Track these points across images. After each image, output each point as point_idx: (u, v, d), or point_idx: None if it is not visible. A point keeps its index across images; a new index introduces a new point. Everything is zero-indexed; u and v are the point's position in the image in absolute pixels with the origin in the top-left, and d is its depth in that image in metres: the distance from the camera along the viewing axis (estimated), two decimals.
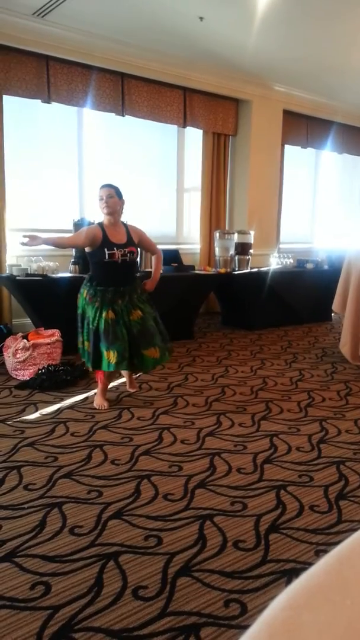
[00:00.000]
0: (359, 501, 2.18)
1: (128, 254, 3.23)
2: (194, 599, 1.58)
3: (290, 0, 4.25)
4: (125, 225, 3.34)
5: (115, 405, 3.37)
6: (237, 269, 5.94)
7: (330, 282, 5.57)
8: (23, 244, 3.08)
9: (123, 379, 3.85)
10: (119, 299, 3.23)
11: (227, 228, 6.76)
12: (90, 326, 3.21)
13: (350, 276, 4.49)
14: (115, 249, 3.18)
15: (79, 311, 3.31)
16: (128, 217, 5.13)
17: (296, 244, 7.77)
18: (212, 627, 1.47)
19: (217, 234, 5.94)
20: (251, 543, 1.87)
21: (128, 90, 5.58)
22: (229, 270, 5.80)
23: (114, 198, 3.19)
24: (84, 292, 3.28)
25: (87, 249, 3.26)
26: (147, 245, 3.50)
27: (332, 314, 6.59)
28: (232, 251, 5.91)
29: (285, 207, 7.53)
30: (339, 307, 4.60)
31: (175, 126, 6.18)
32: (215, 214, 6.68)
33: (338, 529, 1.97)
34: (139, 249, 3.40)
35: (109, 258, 3.16)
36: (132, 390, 3.63)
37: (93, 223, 4.95)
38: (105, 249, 3.16)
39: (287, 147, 7.30)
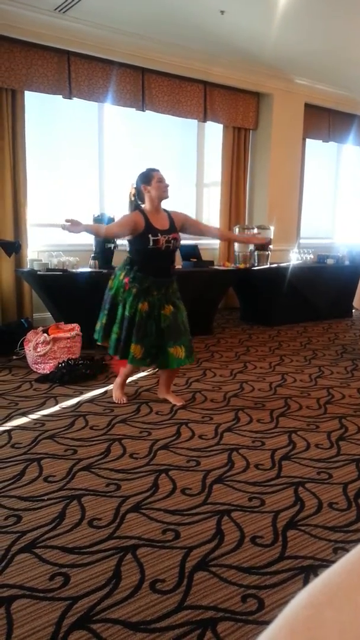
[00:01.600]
0: None
1: (172, 241, 3.07)
2: (211, 594, 1.59)
3: None
4: (166, 211, 3.17)
5: (133, 399, 3.39)
6: (256, 264, 5.91)
7: (351, 278, 5.51)
8: (64, 228, 2.91)
9: (142, 374, 3.87)
10: (155, 291, 3.08)
11: (246, 223, 6.72)
12: (126, 313, 3.06)
13: None
14: (159, 235, 3.02)
15: (111, 292, 3.15)
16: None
17: (317, 239, 7.69)
18: (229, 621, 1.47)
19: (237, 229, 5.90)
20: (269, 539, 1.87)
21: (148, 85, 5.58)
22: (248, 265, 5.77)
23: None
24: (120, 275, 3.12)
25: (128, 237, 3.09)
26: (195, 224, 3.34)
27: (353, 310, 6.52)
28: (251, 246, 5.88)
29: (306, 202, 7.45)
30: None
31: (196, 120, 6.15)
32: (235, 209, 6.64)
33: (357, 526, 1.95)
34: (180, 238, 3.20)
35: (154, 245, 3.00)
36: (177, 403, 3.31)
37: (113, 219, 5.00)
38: (150, 235, 2.99)
39: (308, 141, 7.21)
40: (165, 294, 3.13)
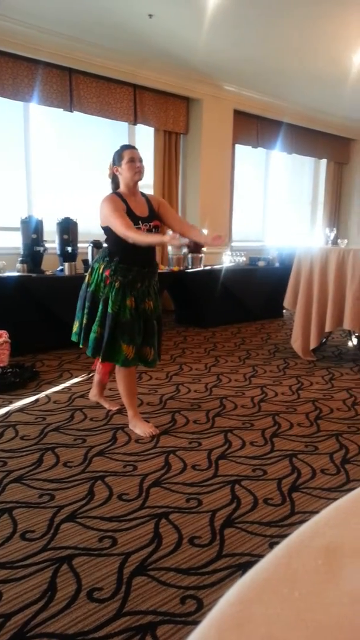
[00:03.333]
0: (311, 492, 2.23)
1: (153, 229, 2.81)
2: (149, 598, 1.57)
3: (240, 0, 4.29)
4: (144, 195, 2.88)
5: (67, 406, 3.31)
6: (190, 267, 5.96)
7: (281, 280, 5.68)
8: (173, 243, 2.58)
9: (75, 379, 3.79)
10: (139, 282, 2.79)
11: None
12: (109, 310, 2.74)
13: (300, 273, 4.59)
14: (140, 222, 2.74)
15: (90, 289, 2.82)
16: (78, 215, 5.09)
17: (248, 242, 7.88)
18: (168, 624, 1.46)
19: (170, 232, 5.92)
20: (206, 539, 1.88)
21: (76, 85, 5.49)
22: (182, 268, 5.82)
23: (142, 163, 2.78)
24: (99, 268, 2.79)
25: (104, 224, 2.76)
26: (170, 214, 2.93)
27: (284, 311, 6.73)
28: (184, 249, 5.93)
29: (237, 205, 7.62)
30: (290, 304, 4.70)
31: (126, 123, 6.13)
32: None
33: (291, 520, 2.00)
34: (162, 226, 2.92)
35: None
36: (112, 408, 3.23)
37: (41, 221, 4.86)
38: (131, 222, 2.68)
39: (238, 146, 7.38)
40: (148, 286, 2.87)
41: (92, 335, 2.80)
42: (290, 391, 3.70)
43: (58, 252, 4.93)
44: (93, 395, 3.33)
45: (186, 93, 6.46)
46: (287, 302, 4.73)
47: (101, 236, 5.06)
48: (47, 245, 4.84)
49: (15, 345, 4.01)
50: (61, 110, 5.47)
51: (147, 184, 6.56)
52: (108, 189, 2.92)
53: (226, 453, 2.63)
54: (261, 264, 6.49)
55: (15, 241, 4.94)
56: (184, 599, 1.57)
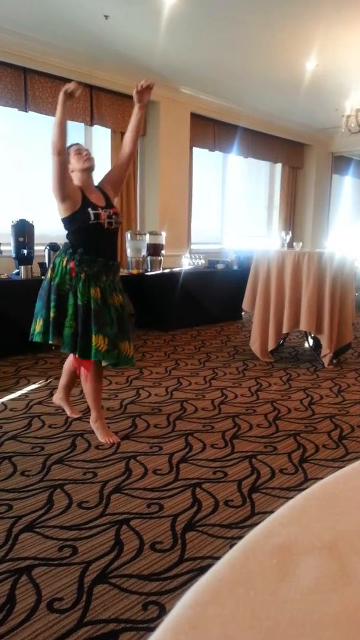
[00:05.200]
0: (270, 493, 2.26)
1: (113, 216, 2.77)
2: (111, 606, 1.55)
3: (195, 3, 4.33)
4: (98, 187, 2.86)
5: (23, 413, 3.23)
6: (149, 270, 5.96)
7: (239, 282, 5.75)
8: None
9: (32, 386, 3.72)
10: (104, 275, 2.73)
11: (138, 229, 6.76)
12: (79, 302, 2.65)
13: (258, 276, 4.66)
14: (99, 209, 2.71)
15: (54, 282, 2.71)
16: (34, 217, 5.00)
17: (207, 244, 7.94)
18: (130, 632, 1.45)
19: (129, 235, 5.91)
20: (168, 544, 1.87)
21: (31, 85, 5.40)
22: (141, 271, 5.80)
23: (91, 153, 2.79)
24: (62, 261, 2.72)
25: (64, 214, 2.72)
26: (120, 166, 2.96)
27: (242, 313, 6.81)
28: (144, 252, 5.91)
29: (196, 208, 7.67)
30: (249, 306, 4.76)
31: (82, 124, 6.08)
32: (125, 215, 6.65)
33: (251, 521, 2.02)
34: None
35: (95, 219, 2.67)
36: (74, 415, 3.19)
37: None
38: (89, 209, 2.67)
39: (195, 149, 7.44)
40: (113, 280, 2.81)
41: (67, 331, 2.69)
42: (250, 392, 3.74)
43: (13, 254, 4.83)
44: (57, 398, 3.27)
45: None
46: (245, 305, 4.79)
47: (59, 239, 5.00)
48: (1, 248, 4.73)
49: None
50: (15, 109, 5.37)
51: None
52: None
53: (187, 456, 2.63)
54: (220, 266, 6.55)
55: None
56: (146, 605, 1.56)
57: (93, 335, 2.66)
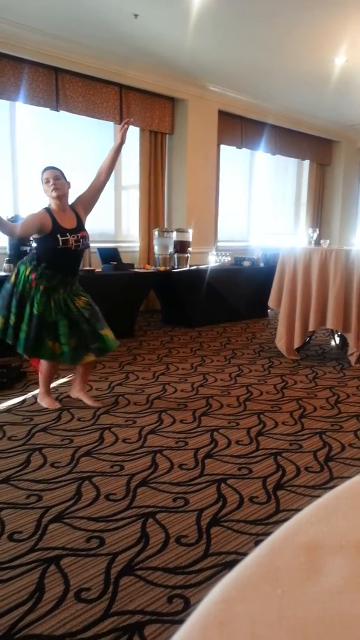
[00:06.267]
0: (295, 490, 2.26)
1: (81, 240, 3.06)
2: (137, 598, 1.59)
3: (224, 1, 4.32)
4: (72, 208, 3.12)
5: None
6: (176, 267, 5.98)
7: (266, 279, 5.73)
8: None
9: (62, 380, 3.79)
10: (62, 288, 3.07)
11: (165, 226, 6.78)
12: (35, 311, 2.97)
13: (284, 273, 4.64)
14: (68, 234, 2.99)
15: (17, 289, 2.99)
16: None
17: (233, 242, 7.92)
18: (156, 624, 1.48)
19: (156, 232, 5.94)
20: (193, 538, 1.90)
21: (62, 85, 5.47)
22: (168, 268, 5.83)
23: (61, 180, 3.00)
24: (26, 271, 3.00)
25: (35, 237, 3.04)
26: (89, 193, 3.18)
27: (268, 310, 6.78)
28: (171, 249, 5.94)
29: (222, 205, 7.66)
30: (275, 303, 4.74)
31: (112, 123, 6.12)
32: (153, 212, 6.68)
33: (276, 518, 2.03)
34: (89, 236, 3.15)
35: (63, 244, 2.97)
36: (93, 404, 3.32)
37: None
38: (59, 235, 2.96)
39: (222, 147, 7.41)
40: (70, 291, 3.13)
41: (21, 335, 3.02)
42: (275, 390, 3.73)
43: None
44: (50, 402, 3.32)
45: (171, 93, 6.48)
46: (271, 302, 4.77)
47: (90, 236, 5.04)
48: (33, 244, 4.80)
49: (2, 344, 3.98)
50: (47, 109, 5.45)
51: (134, 184, 6.57)
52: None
53: (212, 452, 2.65)
54: (246, 264, 6.53)
55: (1, 240, 4.91)
56: (171, 598, 1.59)
57: (49, 342, 3.03)
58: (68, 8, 4.51)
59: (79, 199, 3.18)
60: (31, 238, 3.10)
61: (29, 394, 3.51)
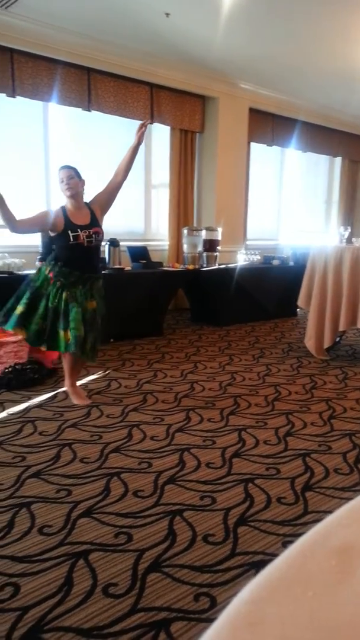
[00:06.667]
0: (324, 492, 2.23)
1: (93, 235, 3.13)
2: (164, 595, 1.60)
3: None
4: (88, 205, 3.21)
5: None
6: (205, 265, 5.98)
7: (295, 278, 5.67)
8: None
9: (92, 376, 3.84)
10: (80, 285, 3.15)
11: (195, 225, 6.78)
12: (50, 305, 3.10)
13: (314, 272, 4.58)
14: (79, 230, 3.09)
15: (35, 284, 3.13)
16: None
17: (262, 240, 7.87)
18: (182, 621, 1.49)
19: (185, 231, 5.95)
20: (220, 537, 1.90)
21: (94, 85, 5.53)
22: (197, 266, 5.83)
23: (74, 179, 3.10)
24: (46, 270, 3.15)
25: (50, 234, 3.16)
26: (106, 192, 3.25)
27: (298, 310, 6.71)
28: (200, 248, 5.94)
29: (252, 204, 7.61)
30: (304, 303, 4.69)
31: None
32: (183, 211, 6.69)
33: (304, 520, 2.01)
34: (102, 232, 3.22)
35: (74, 240, 3.07)
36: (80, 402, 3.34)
37: None
38: (69, 232, 3.07)
39: (253, 144, 7.36)
40: (90, 289, 3.19)
41: (33, 327, 3.11)
42: (304, 390, 3.70)
43: None
44: (80, 398, 3.37)
45: (202, 91, 6.47)
46: (301, 301, 4.72)
47: (118, 235, 5.13)
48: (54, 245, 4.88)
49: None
50: (79, 109, 5.51)
51: (164, 183, 6.59)
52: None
53: (240, 451, 2.65)
54: (275, 262, 6.48)
55: (34, 239, 4.99)
56: (198, 596, 1.59)
57: (62, 331, 3.09)
58: (101, 8, 4.55)
59: (96, 198, 3.24)
60: (50, 236, 3.18)
61: (60, 390, 3.57)
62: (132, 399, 3.43)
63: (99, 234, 3.17)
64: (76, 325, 3.09)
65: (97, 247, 3.22)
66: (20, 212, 3.18)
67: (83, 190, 3.18)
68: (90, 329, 3.20)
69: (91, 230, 3.12)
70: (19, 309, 3.11)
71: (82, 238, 3.08)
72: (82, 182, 3.16)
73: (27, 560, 1.74)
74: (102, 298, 3.32)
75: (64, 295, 3.10)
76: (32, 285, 3.14)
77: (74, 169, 3.13)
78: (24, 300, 3.12)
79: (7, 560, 1.74)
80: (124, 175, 3.22)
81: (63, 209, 3.15)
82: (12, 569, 1.70)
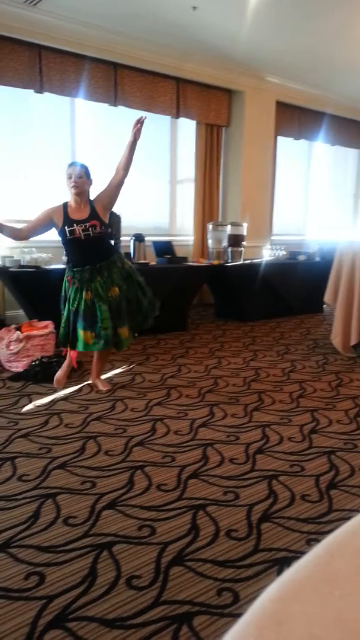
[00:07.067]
0: (349, 490, 2.21)
1: (90, 228, 3.17)
2: (187, 588, 1.60)
3: None
4: (91, 202, 3.26)
5: (109, 396, 3.38)
6: (230, 260, 5.95)
7: (322, 274, 5.59)
8: None
9: (117, 370, 3.87)
10: (98, 276, 3.22)
11: (220, 220, 6.75)
12: (71, 307, 3.24)
13: (341, 268, 4.51)
14: (75, 225, 3.16)
15: (62, 294, 3.36)
16: (121, 209, 5.15)
17: (288, 235, 7.79)
18: (205, 615, 1.49)
19: (210, 226, 5.93)
20: (243, 532, 1.90)
21: (121, 80, 5.54)
22: (221, 262, 5.81)
23: (82, 178, 3.17)
24: (66, 276, 3.34)
25: (56, 231, 3.25)
26: (107, 190, 3.26)
27: (324, 306, 6.63)
28: (225, 243, 5.91)
29: (278, 198, 7.53)
30: (331, 299, 4.63)
31: (169, 117, 6.15)
32: (208, 206, 6.67)
33: (329, 518, 2.00)
34: (103, 224, 3.22)
35: (70, 235, 3.16)
36: (103, 389, 3.48)
37: None
38: (66, 227, 3.16)
39: (279, 138, 7.28)
40: (109, 276, 3.25)
41: (61, 331, 3.35)
42: (330, 387, 3.65)
43: None
44: (61, 377, 3.56)
45: (228, 85, 6.42)
46: (327, 297, 4.66)
47: (143, 229, 5.14)
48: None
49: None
50: (106, 104, 5.53)
51: (189, 178, 6.58)
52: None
53: (264, 448, 2.64)
54: (302, 258, 6.40)
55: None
56: (221, 591, 1.60)
57: (81, 331, 3.23)
58: (128, 3, 4.55)
59: (98, 196, 3.28)
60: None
61: (85, 383, 3.61)
62: (156, 393, 3.44)
63: (96, 226, 3.20)
64: (105, 324, 3.20)
65: (99, 238, 3.24)
66: (47, 206, 3.27)
67: (89, 189, 3.25)
68: (118, 318, 3.28)
69: (87, 224, 3.17)
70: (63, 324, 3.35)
71: (77, 232, 3.16)
72: (90, 182, 3.24)
73: (52, 551, 1.77)
74: (131, 276, 3.37)
75: (83, 295, 3.21)
76: (62, 296, 3.35)
77: (85, 169, 3.19)
78: (64, 315, 3.34)
79: (32, 549, 1.78)
80: (124, 173, 3.25)
81: (64, 205, 3.24)
82: (38, 558, 1.73)
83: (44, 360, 3.81)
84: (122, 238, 5.10)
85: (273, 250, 6.49)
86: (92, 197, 3.30)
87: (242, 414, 3.12)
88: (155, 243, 5.58)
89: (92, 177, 3.25)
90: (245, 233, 6.08)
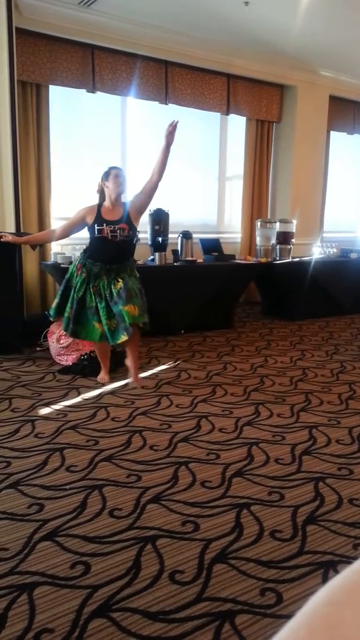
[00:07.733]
0: None
1: (118, 231, 3.25)
2: (229, 586, 1.60)
3: None
4: (124, 205, 3.36)
5: (154, 392, 3.41)
6: (278, 258, 5.86)
7: None
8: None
9: (162, 366, 3.89)
10: (105, 275, 3.28)
11: (269, 217, 6.66)
12: (76, 295, 3.30)
13: None
14: (104, 225, 3.25)
15: (67, 276, 3.41)
16: (169, 206, 5.16)
17: (340, 233, 7.59)
18: (247, 614, 1.48)
19: (259, 223, 5.86)
20: (288, 533, 1.87)
21: (171, 78, 5.56)
22: (269, 259, 5.73)
23: (125, 181, 3.31)
24: (77, 262, 3.40)
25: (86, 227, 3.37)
26: (142, 193, 3.36)
27: None
28: (273, 240, 5.83)
29: (330, 195, 7.36)
30: None
31: (218, 113, 6.11)
32: (257, 203, 6.60)
33: None
34: (132, 228, 3.31)
35: (98, 234, 3.25)
36: (137, 385, 3.51)
37: None
38: (95, 225, 3.26)
39: (332, 133, 7.11)
40: (115, 277, 3.29)
41: (65, 315, 3.39)
42: None
43: (149, 242, 5.04)
44: (103, 375, 3.66)
45: (280, 80, 6.32)
46: None
47: (191, 227, 5.16)
48: (139, 235, 4.96)
49: None
50: (156, 103, 5.56)
51: (237, 175, 6.53)
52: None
53: (310, 449, 2.59)
54: (353, 255, 6.23)
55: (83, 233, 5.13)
56: (264, 591, 1.58)
57: (96, 323, 3.31)
58: (181, 1, 4.55)
59: (133, 199, 3.38)
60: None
61: (130, 379, 3.65)
62: (201, 390, 3.44)
63: (125, 229, 3.28)
64: (105, 321, 3.28)
65: (125, 242, 3.31)
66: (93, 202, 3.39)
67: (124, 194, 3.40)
68: (124, 297, 3.26)
69: (117, 226, 3.26)
70: (56, 301, 3.44)
71: (105, 232, 3.24)
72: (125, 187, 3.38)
73: (98, 541, 1.81)
74: (136, 280, 3.38)
75: (90, 288, 3.29)
76: (65, 278, 3.42)
77: (124, 173, 3.35)
78: (59, 293, 3.44)
79: (79, 539, 1.82)
80: (157, 178, 3.31)
81: (99, 205, 3.35)
82: (84, 548, 1.77)
83: (92, 354, 3.88)
84: (169, 235, 5.11)
85: (323, 247, 6.35)
86: (125, 200, 3.41)
87: (288, 414, 3.08)
88: (202, 240, 5.57)
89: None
90: (294, 230, 5.97)
